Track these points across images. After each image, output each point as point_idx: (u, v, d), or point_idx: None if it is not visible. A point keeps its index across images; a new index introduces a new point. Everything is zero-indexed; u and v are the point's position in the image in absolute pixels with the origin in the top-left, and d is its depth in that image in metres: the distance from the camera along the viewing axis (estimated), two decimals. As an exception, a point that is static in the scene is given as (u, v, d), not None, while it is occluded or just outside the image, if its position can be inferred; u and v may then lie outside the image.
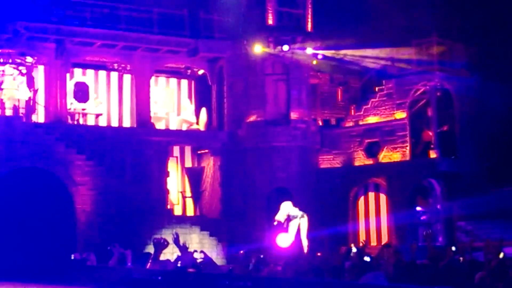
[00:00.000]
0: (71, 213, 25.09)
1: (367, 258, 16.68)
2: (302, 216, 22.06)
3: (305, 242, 22.21)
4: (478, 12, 27.23)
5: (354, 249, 22.26)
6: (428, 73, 26.72)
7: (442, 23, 26.76)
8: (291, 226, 22.44)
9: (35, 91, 26.96)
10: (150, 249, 24.88)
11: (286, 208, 21.96)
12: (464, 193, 25.36)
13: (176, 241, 15.98)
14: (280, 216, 21.88)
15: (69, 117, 27.13)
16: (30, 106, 26.34)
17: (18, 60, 25.99)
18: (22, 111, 26.15)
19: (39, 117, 26.94)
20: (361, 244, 24.78)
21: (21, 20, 25.04)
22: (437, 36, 26.76)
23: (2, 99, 26.36)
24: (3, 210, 23.21)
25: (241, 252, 21.67)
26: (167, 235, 25.12)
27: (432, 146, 26.50)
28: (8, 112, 26.13)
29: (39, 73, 27.27)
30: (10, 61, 25.76)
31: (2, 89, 26.30)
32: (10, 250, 22.05)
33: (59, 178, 25.06)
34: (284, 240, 22.03)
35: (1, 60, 25.53)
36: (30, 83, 26.62)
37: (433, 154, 26.39)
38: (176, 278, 14.46)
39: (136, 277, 16.78)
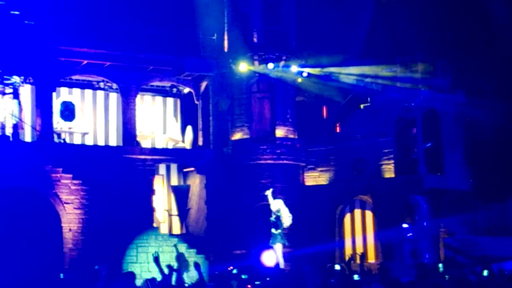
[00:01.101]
0: (58, 232, 25.00)
1: (356, 277, 16.72)
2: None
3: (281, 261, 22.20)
4: (462, 30, 27.52)
5: (337, 267, 22.29)
6: (413, 90, 26.91)
7: (426, 41, 27.01)
8: (277, 247, 22.42)
9: (22, 110, 26.91)
10: (135, 268, 24.91)
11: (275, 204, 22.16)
12: (451, 209, 25.53)
13: (156, 261, 15.91)
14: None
15: (55, 136, 27.10)
16: (17, 125, 26.26)
17: (5, 80, 25.91)
18: (8, 130, 26.09)
19: (26, 136, 26.89)
20: (347, 259, 24.88)
21: (7, 39, 25.02)
22: (422, 53, 26.98)
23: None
24: (-10, 230, 23.14)
25: (230, 268, 21.64)
26: (150, 253, 25.15)
27: (418, 163, 26.66)
28: (-6, 132, 26.13)
29: (26, 92, 27.24)
30: (-3, 80, 25.75)
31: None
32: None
33: (46, 196, 24.98)
34: (270, 258, 22.03)
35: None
36: (17, 102, 26.55)
37: (418, 171, 26.54)
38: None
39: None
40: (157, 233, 26.93)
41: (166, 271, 15.40)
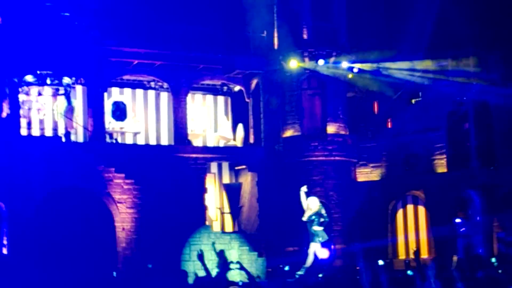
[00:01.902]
0: (111, 231, 25.32)
1: (409, 272, 16.57)
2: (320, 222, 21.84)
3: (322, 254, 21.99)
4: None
5: (381, 262, 22.06)
6: (465, 84, 26.54)
7: (478, 34, 26.58)
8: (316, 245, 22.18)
9: (74, 111, 27.30)
10: (188, 265, 25.08)
11: (312, 202, 21.96)
12: (504, 204, 25.09)
13: (200, 258, 15.96)
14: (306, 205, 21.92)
15: (107, 136, 27.43)
16: (69, 126, 26.67)
17: (57, 81, 26.32)
18: (61, 131, 26.51)
19: (78, 136, 27.28)
20: (412, 253, 24.60)
21: (59, 41, 25.40)
22: (474, 47, 26.58)
23: (42, 120, 26.80)
24: (45, 229, 23.54)
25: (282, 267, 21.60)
26: (206, 251, 25.27)
27: (470, 157, 26.29)
28: (48, 133, 26.53)
29: (78, 93, 27.66)
30: (49, 81, 26.11)
31: (41, 109, 26.73)
32: (52, 268, 22.30)
33: (99, 196, 25.32)
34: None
35: (41, 81, 25.91)
36: (69, 103, 26.96)
37: (471, 166, 26.16)
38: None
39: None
40: (209, 231, 27.06)
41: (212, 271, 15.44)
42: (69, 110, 26.80)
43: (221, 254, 22.11)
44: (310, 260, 21.65)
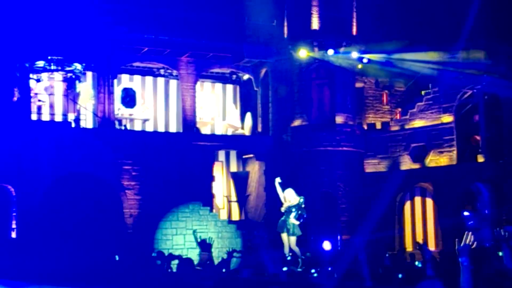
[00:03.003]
0: (119, 217, 25.40)
1: (417, 263, 16.54)
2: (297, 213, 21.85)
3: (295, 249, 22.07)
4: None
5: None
6: (475, 77, 26.42)
7: (489, 26, 26.45)
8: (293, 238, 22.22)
9: (83, 97, 27.30)
10: (195, 253, 25.16)
11: (288, 194, 22.04)
12: (513, 197, 25.01)
13: (206, 245, 16.09)
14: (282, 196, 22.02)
15: (116, 123, 27.47)
16: (79, 112, 26.69)
17: (68, 67, 26.30)
18: (71, 116, 26.53)
19: (88, 122, 27.32)
20: (418, 244, 24.61)
21: (69, 27, 25.38)
22: (484, 39, 26.45)
23: (52, 105, 26.81)
24: (53, 214, 23.63)
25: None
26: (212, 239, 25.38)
27: (479, 150, 26.22)
28: (58, 118, 26.55)
29: (88, 79, 27.68)
30: (59, 68, 26.11)
31: (51, 95, 26.73)
32: (59, 252, 22.40)
33: (107, 182, 25.38)
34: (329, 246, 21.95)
35: (52, 67, 25.90)
36: (72, 87, 26.94)
37: (480, 158, 26.11)
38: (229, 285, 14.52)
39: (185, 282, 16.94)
40: (216, 219, 27.12)
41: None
42: (72, 94, 26.78)
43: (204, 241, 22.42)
44: (297, 251, 21.73)
